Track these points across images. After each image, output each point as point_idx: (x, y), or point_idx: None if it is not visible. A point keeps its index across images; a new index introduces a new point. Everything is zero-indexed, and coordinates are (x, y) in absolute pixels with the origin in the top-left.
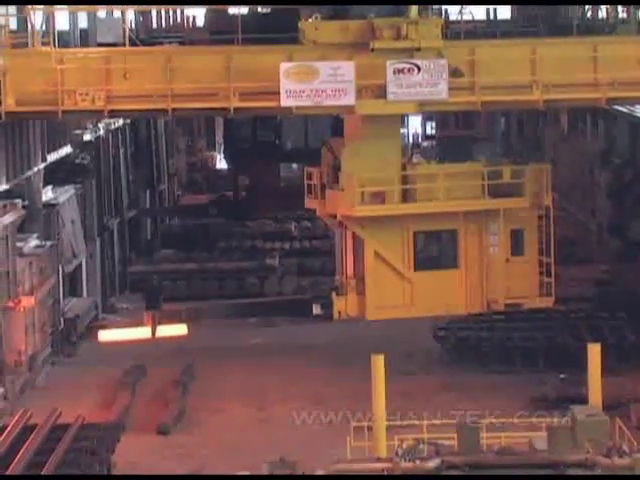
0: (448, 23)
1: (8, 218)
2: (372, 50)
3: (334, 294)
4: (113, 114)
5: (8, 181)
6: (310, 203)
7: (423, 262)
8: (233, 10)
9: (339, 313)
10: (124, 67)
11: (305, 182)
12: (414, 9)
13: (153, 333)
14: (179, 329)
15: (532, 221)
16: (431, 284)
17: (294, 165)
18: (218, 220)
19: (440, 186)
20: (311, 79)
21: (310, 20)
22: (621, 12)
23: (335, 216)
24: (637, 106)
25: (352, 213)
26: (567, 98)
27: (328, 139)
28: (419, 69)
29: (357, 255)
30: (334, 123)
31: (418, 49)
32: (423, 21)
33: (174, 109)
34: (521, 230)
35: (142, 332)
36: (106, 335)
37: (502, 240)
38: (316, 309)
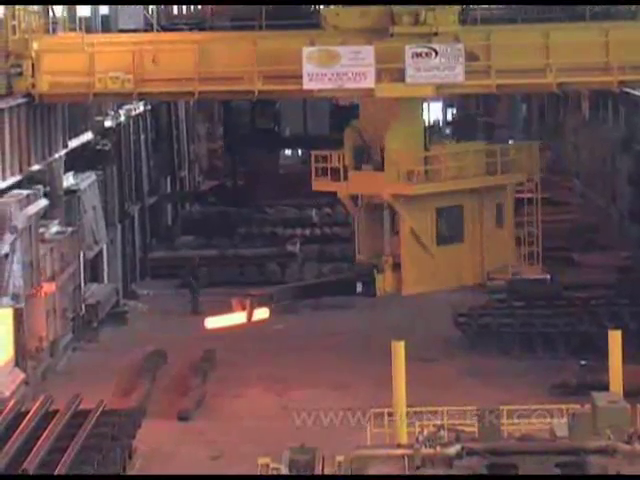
0: (467, 9)
1: (32, 209)
2: (391, 35)
3: (375, 272)
4: (142, 97)
5: (30, 167)
6: (326, 186)
7: (442, 237)
8: None
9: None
10: (153, 52)
11: (313, 166)
12: None
13: (249, 318)
14: (262, 313)
15: (511, 196)
16: (448, 258)
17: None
18: (239, 206)
19: (469, 163)
20: (332, 63)
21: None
22: None
23: (356, 197)
24: None
25: (408, 192)
26: (579, 81)
27: (352, 122)
28: (436, 53)
29: (392, 233)
30: (333, 110)
31: (436, 34)
32: (440, 7)
33: (200, 92)
34: (503, 204)
35: (241, 317)
36: (212, 322)
37: (498, 214)
38: (359, 287)
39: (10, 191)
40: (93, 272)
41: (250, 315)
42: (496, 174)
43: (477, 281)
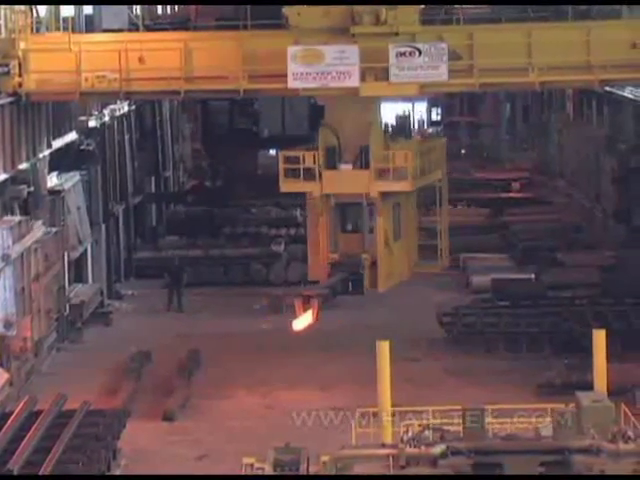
0: (449, 8)
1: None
2: (353, 35)
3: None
4: (128, 96)
5: (14, 167)
6: (297, 186)
7: (394, 234)
8: None
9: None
10: (139, 51)
11: (283, 166)
12: None
13: (316, 317)
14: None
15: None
16: (398, 254)
17: None
18: (218, 207)
19: (426, 160)
20: (317, 62)
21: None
22: None
23: (328, 196)
24: None
25: (409, 188)
26: (561, 80)
27: (324, 121)
28: (420, 52)
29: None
30: (312, 110)
31: (396, 34)
32: (402, 7)
33: (186, 91)
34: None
35: (308, 318)
36: (299, 323)
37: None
38: (350, 286)
39: None
40: (77, 272)
41: (317, 315)
42: (430, 172)
43: (409, 276)
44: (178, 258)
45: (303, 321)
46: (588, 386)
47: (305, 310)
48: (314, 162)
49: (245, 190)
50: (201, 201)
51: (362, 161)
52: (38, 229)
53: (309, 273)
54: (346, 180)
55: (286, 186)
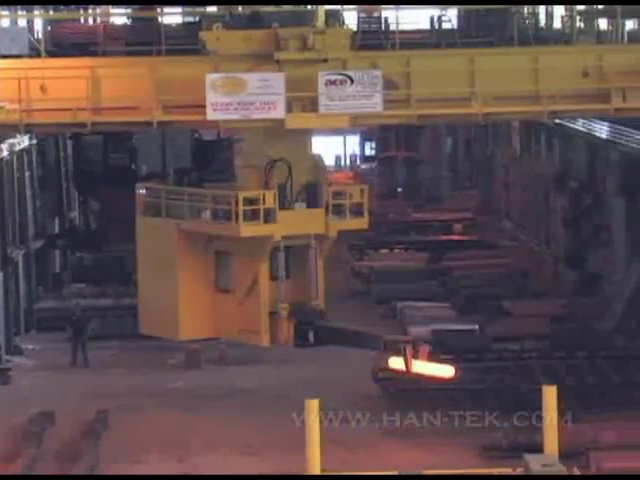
0: (387, 33)
1: None
2: (277, 62)
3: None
4: (29, 128)
5: None
6: (258, 230)
7: None
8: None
9: None
10: (41, 79)
11: (242, 209)
12: (321, 17)
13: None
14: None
15: None
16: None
17: None
18: (91, 251)
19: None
20: (239, 91)
21: (213, 29)
22: (578, 21)
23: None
24: (595, 125)
25: (365, 226)
26: (507, 111)
27: (278, 157)
28: (352, 80)
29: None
30: (195, 146)
31: (325, 60)
32: (331, 31)
33: (93, 123)
34: None
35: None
36: (446, 370)
37: None
38: (311, 336)
39: None
40: None
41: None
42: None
43: None
44: (80, 307)
45: (437, 367)
46: (538, 448)
47: (413, 358)
48: (274, 202)
49: (123, 233)
50: (72, 246)
51: (311, 199)
52: None
53: (182, 332)
54: (301, 220)
55: (247, 230)
